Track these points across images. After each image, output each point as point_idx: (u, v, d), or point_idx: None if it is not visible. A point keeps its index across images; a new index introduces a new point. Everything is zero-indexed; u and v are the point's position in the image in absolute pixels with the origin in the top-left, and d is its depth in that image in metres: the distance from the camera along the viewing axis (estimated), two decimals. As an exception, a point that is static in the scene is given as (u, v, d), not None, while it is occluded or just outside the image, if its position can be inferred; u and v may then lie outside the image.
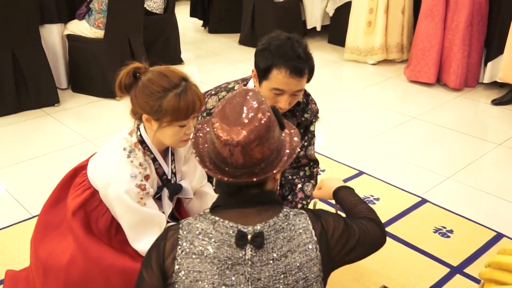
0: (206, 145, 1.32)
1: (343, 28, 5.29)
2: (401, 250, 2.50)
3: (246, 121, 1.21)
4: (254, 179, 1.23)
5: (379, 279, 2.31)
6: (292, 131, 1.37)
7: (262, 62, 1.84)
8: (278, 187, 1.36)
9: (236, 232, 1.22)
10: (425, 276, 2.33)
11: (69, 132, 3.72)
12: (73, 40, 4.23)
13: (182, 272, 1.21)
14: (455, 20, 4.33)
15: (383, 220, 2.71)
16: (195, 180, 1.93)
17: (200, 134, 1.38)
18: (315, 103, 2.19)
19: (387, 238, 2.53)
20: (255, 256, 1.22)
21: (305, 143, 2.18)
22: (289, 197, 2.16)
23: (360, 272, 2.35)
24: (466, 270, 2.37)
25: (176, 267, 1.22)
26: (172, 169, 1.81)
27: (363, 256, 1.39)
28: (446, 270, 2.37)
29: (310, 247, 1.25)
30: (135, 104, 1.66)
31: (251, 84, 2.01)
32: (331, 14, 5.62)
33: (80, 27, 4.17)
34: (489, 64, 4.38)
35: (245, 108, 1.24)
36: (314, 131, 2.22)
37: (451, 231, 2.64)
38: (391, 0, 4.92)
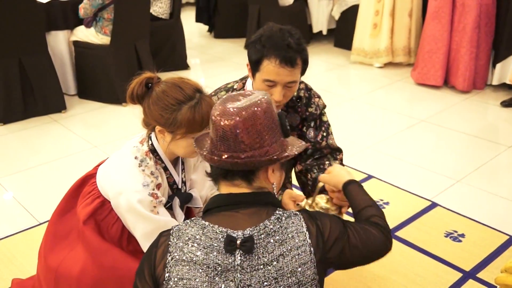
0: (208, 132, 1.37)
1: (349, 32, 5.28)
2: (412, 255, 2.47)
3: (241, 106, 1.24)
4: (237, 161, 1.23)
5: (391, 285, 2.28)
6: (299, 143, 1.36)
7: (254, 54, 1.82)
8: (275, 189, 1.32)
9: (225, 237, 1.20)
10: (437, 281, 2.30)
11: (76, 138, 3.71)
12: (79, 47, 4.23)
13: (172, 280, 1.20)
14: (462, 22, 4.30)
15: (393, 224, 2.69)
16: (205, 189, 1.91)
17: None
18: (318, 97, 2.14)
19: (398, 243, 2.53)
20: (245, 262, 1.18)
21: (324, 133, 2.12)
22: (320, 173, 2.01)
23: (370, 278, 2.32)
24: (479, 275, 2.33)
25: (166, 275, 1.21)
26: (182, 178, 1.79)
27: (365, 262, 1.34)
28: (459, 275, 2.33)
29: (304, 250, 1.20)
30: (149, 115, 1.64)
31: (249, 82, 2.00)
32: (336, 17, 5.61)
33: (87, 33, 4.18)
34: (498, 65, 4.35)
35: (245, 98, 1.27)
36: (327, 121, 2.16)
37: (462, 235, 2.61)
38: (398, 3, 4.90)
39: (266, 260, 1.19)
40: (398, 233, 2.62)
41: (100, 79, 4.24)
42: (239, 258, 1.19)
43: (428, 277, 2.32)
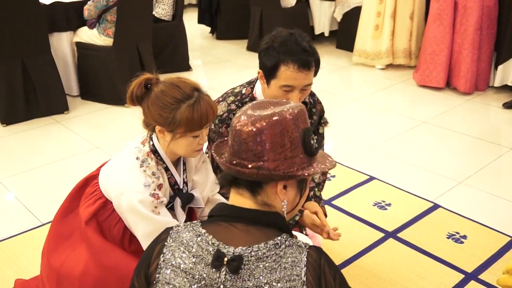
0: None
1: (351, 33, 5.29)
2: (414, 256, 2.47)
3: (263, 116, 1.18)
4: (239, 169, 1.17)
5: (392, 286, 2.28)
6: (326, 162, 1.26)
7: (269, 60, 1.82)
8: (285, 207, 1.24)
9: (215, 251, 1.14)
10: (439, 282, 2.30)
11: (79, 139, 3.72)
12: (82, 48, 4.24)
13: (160, 283, 1.18)
14: (464, 24, 4.31)
15: (395, 226, 2.69)
16: (207, 189, 1.91)
17: None
18: (320, 102, 2.18)
19: (400, 244, 2.54)
20: (229, 281, 1.12)
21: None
22: None
23: (372, 279, 2.32)
24: (481, 276, 2.33)
25: (157, 276, 1.18)
26: (183, 179, 1.80)
27: None
28: (461, 276, 2.34)
29: (294, 285, 1.11)
30: (148, 116, 1.65)
31: (258, 87, 2.00)
32: (339, 19, 5.62)
33: (90, 35, 4.19)
34: (500, 67, 4.35)
35: (274, 107, 1.20)
36: (323, 133, 2.20)
37: (464, 237, 2.61)
38: (399, 5, 4.90)
39: (250, 284, 1.12)
40: (400, 235, 2.62)
41: (103, 80, 4.26)
42: (224, 276, 1.13)
43: (430, 279, 2.32)
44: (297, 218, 2.00)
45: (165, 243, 1.20)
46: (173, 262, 1.17)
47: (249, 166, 1.17)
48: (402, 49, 5.02)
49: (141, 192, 1.64)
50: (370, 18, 5.02)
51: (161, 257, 1.19)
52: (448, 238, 2.61)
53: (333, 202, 2.90)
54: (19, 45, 3.81)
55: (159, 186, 1.69)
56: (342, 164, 3.32)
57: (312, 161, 1.23)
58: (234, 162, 1.19)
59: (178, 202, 1.79)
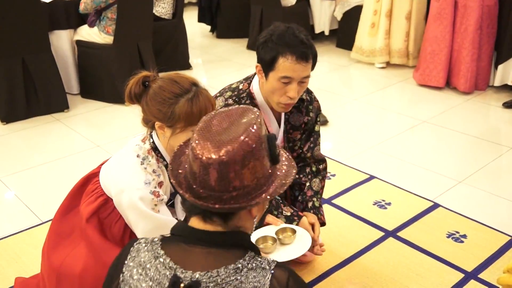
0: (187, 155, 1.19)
1: (351, 32, 5.29)
2: (413, 255, 2.47)
3: (227, 140, 1.07)
4: (216, 206, 1.08)
5: (392, 285, 2.28)
6: (285, 168, 1.18)
7: (267, 53, 1.85)
8: (255, 223, 1.19)
9: (172, 275, 1.08)
10: (439, 282, 2.30)
11: (79, 138, 3.72)
12: (82, 46, 4.24)
13: None
14: (464, 23, 4.31)
15: (395, 225, 2.69)
16: None
17: (186, 150, 1.21)
18: (317, 100, 2.21)
19: (400, 243, 2.54)
20: None
21: (311, 145, 2.19)
22: (299, 197, 2.16)
23: (372, 278, 2.32)
24: (481, 276, 2.33)
25: None
26: None
27: None
28: (460, 275, 2.34)
29: None
30: (147, 112, 1.66)
31: (255, 82, 2.02)
32: (339, 18, 5.62)
33: (90, 33, 4.18)
34: (500, 67, 4.35)
35: (232, 126, 1.10)
36: (319, 131, 2.22)
37: (464, 236, 2.61)
38: (395, 5, 4.90)
39: None
40: (400, 234, 2.62)
41: (103, 78, 4.26)
42: None
43: (430, 278, 2.32)
44: (294, 223, 2.03)
45: (125, 262, 1.15)
46: (131, 284, 1.12)
47: (224, 197, 1.07)
48: (397, 49, 5.01)
49: (141, 189, 1.64)
50: (367, 16, 5.03)
51: (121, 276, 1.14)
52: (448, 237, 2.61)
53: (333, 201, 2.90)
54: (19, 44, 3.81)
55: (160, 184, 1.69)
56: (342, 163, 3.33)
57: (276, 169, 1.15)
58: (204, 195, 1.08)
59: (178, 199, 1.80)
